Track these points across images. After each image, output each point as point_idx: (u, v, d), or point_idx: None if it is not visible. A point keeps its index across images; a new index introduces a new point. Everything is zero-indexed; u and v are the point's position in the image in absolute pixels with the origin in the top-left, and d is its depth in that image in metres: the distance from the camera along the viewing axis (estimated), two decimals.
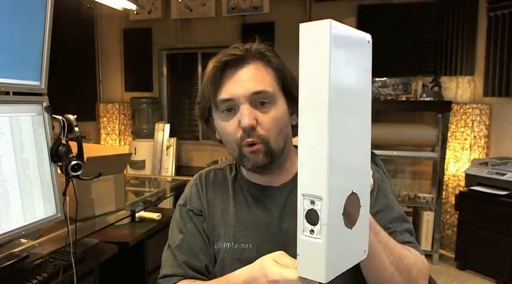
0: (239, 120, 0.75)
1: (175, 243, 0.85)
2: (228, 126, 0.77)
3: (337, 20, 0.51)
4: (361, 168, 0.56)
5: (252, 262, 0.67)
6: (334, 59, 0.50)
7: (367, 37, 0.58)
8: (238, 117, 0.76)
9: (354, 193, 0.54)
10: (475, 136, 3.63)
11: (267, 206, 0.83)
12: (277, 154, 0.78)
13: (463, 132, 3.66)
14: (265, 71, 0.78)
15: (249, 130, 0.74)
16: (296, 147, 0.62)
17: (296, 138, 0.57)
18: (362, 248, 0.59)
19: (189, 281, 0.81)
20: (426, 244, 3.51)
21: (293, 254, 0.56)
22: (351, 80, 0.54)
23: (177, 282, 0.81)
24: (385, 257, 0.67)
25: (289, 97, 0.80)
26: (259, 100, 0.75)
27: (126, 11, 4.01)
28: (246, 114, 0.74)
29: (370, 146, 0.59)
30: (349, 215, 0.54)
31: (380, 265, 0.68)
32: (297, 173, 0.53)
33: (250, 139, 0.75)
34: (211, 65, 0.79)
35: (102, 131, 4.90)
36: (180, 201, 0.91)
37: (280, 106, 0.78)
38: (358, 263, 0.64)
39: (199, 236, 0.85)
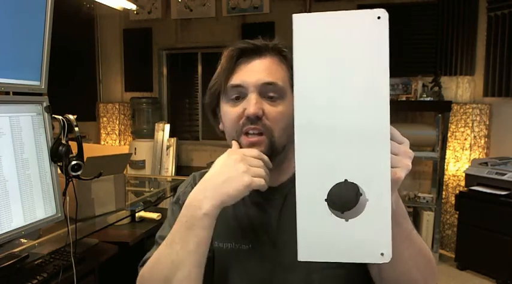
0: (244, 108, 0.74)
1: (161, 235, 0.81)
2: (232, 113, 0.76)
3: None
4: (367, 160, 0.53)
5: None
6: (302, 53, 0.54)
7: (376, 13, 0.50)
8: (244, 105, 0.74)
9: (351, 183, 0.52)
10: (475, 136, 3.63)
11: (265, 207, 0.82)
12: (278, 150, 0.76)
13: (463, 132, 3.66)
14: (279, 66, 0.77)
15: (254, 119, 0.73)
16: None
17: None
18: (375, 250, 0.53)
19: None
20: (426, 244, 3.51)
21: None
22: (325, 73, 0.53)
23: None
24: (403, 249, 0.64)
25: None
26: (268, 93, 0.74)
27: (126, 11, 4.01)
28: (253, 103, 0.73)
29: (387, 139, 0.52)
30: (343, 206, 0.53)
31: (396, 257, 0.62)
32: (294, 173, 0.53)
33: (253, 126, 0.73)
34: (228, 49, 0.78)
35: (102, 131, 4.90)
36: (173, 200, 0.89)
37: (289, 104, 0.76)
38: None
39: None
